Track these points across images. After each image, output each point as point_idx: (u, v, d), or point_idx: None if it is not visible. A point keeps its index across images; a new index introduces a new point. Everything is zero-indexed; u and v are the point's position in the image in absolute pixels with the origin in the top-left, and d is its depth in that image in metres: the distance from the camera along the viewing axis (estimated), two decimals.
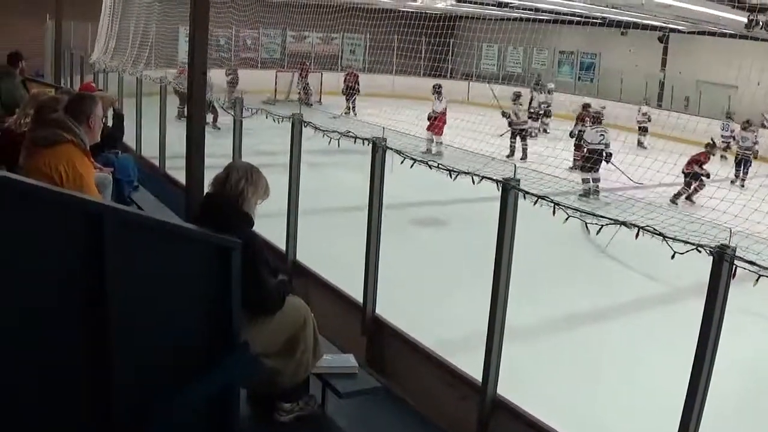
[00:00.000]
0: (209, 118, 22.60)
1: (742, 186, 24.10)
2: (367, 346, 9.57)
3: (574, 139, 26.37)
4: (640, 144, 31.15)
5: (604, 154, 21.88)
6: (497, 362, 7.71)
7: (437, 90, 28.39)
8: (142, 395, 4.77)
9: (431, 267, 13.94)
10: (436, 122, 26.90)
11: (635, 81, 38.93)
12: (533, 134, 31.48)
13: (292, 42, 46.39)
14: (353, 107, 35.70)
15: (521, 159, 25.72)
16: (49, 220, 4.42)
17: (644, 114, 33.31)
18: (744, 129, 27.66)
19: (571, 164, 24.43)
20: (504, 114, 27.92)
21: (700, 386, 6.03)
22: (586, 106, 29.32)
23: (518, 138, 27.45)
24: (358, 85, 37.20)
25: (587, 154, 22.07)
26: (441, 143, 25.34)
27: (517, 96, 28.83)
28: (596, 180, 21.56)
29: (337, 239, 13.70)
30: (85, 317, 4.55)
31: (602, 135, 22.42)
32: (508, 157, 24.94)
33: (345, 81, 37.78)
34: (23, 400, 4.44)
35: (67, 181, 6.50)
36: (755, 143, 26.78)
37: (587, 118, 25.70)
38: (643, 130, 32.58)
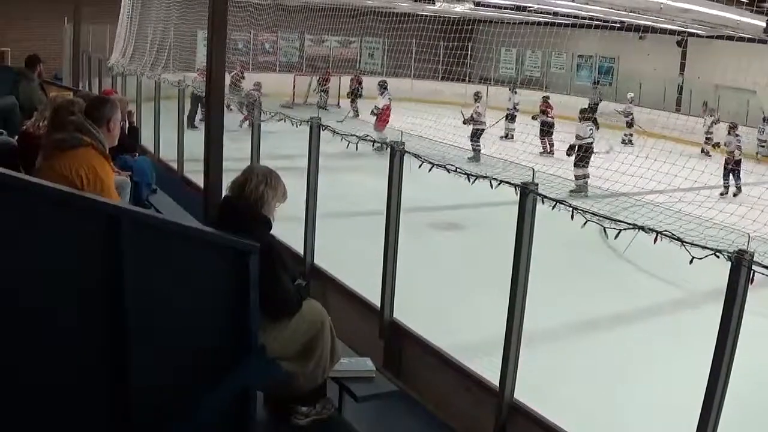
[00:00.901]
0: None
1: (735, 195, 23.12)
2: (384, 350, 9.57)
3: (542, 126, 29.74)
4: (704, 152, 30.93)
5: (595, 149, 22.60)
6: (515, 366, 7.71)
7: (383, 86, 29.01)
8: (160, 398, 4.78)
9: (449, 271, 13.92)
10: (380, 117, 27.06)
11: (654, 85, 38.81)
12: (510, 135, 32.39)
13: (310, 45, 46.41)
14: (357, 110, 35.65)
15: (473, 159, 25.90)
16: (67, 223, 4.44)
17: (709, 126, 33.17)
18: (729, 133, 25.89)
19: (541, 150, 28.63)
20: (463, 114, 28.38)
21: (718, 391, 6.02)
22: (545, 99, 31.94)
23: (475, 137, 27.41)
24: (362, 88, 37.11)
25: (577, 151, 22.76)
26: (385, 138, 25.39)
27: (477, 96, 29.24)
28: (586, 176, 21.53)
29: (355, 243, 13.71)
30: (103, 319, 4.56)
31: (591, 129, 23.36)
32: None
33: (350, 85, 37.79)
34: (42, 401, 4.45)
35: (88, 185, 6.50)
36: (738, 147, 25.58)
37: (548, 110, 30.29)
38: (708, 140, 32.37)
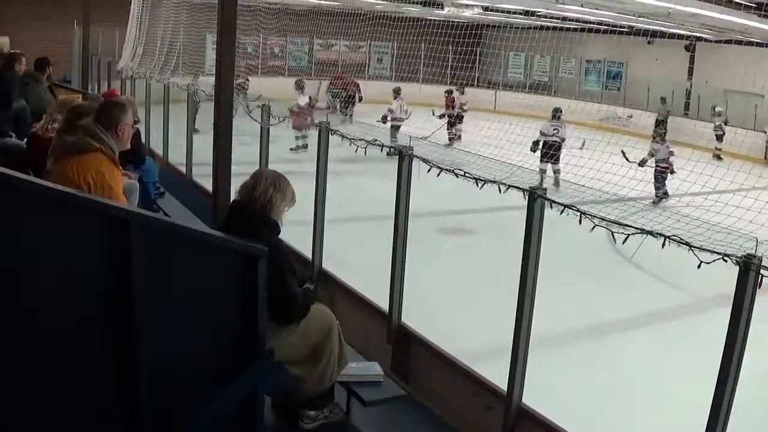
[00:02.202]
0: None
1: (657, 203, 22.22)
2: (392, 354, 9.58)
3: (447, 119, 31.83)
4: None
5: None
6: (522, 371, 7.71)
7: (299, 85, 29.09)
8: (168, 401, 4.79)
9: (457, 276, 13.92)
10: (297, 116, 27.24)
11: (662, 90, 38.76)
12: (458, 136, 32.18)
13: (319, 50, 46.40)
14: (351, 115, 35.43)
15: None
16: (76, 226, 4.45)
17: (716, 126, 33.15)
18: (655, 140, 25.90)
19: (447, 141, 29.94)
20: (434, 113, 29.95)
21: (726, 396, 6.02)
22: (449, 92, 33.69)
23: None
24: (360, 92, 36.92)
25: (542, 148, 23.76)
26: (306, 137, 25.59)
27: (396, 92, 29.91)
28: (556, 171, 22.79)
29: (363, 247, 13.72)
30: (111, 323, 4.57)
31: (556, 129, 24.63)
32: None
33: (347, 90, 37.50)
34: (51, 403, 4.47)
35: (95, 190, 6.49)
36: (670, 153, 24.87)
37: (451, 105, 32.75)
38: (719, 139, 32.47)
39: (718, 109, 33.59)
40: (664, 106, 36.72)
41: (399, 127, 28.03)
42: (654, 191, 21.95)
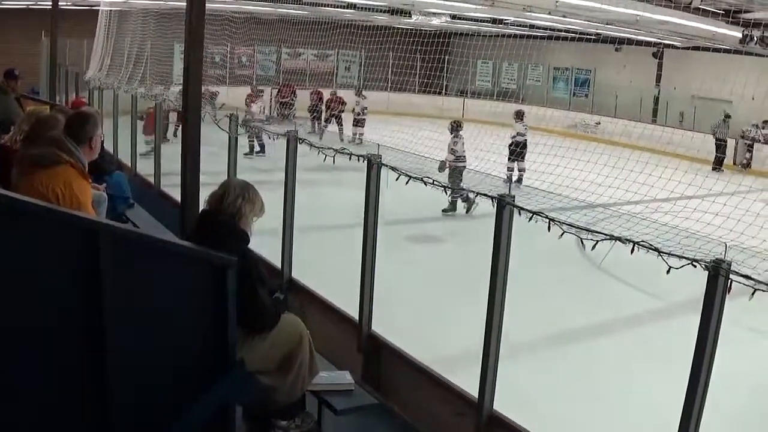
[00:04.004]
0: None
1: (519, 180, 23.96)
2: (363, 363, 9.56)
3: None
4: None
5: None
6: (493, 378, 7.71)
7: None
8: (140, 414, 4.77)
9: (427, 284, 13.93)
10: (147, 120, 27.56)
11: (630, 97, 38.99)
12: (359, 140, 32.13)
13: (287, 59, 46.41)
14: (322, 128, 35.26)
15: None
16: (44, 238, 4.43)
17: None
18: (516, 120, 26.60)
19: (350, 138, 31.30)
20: None
21: (697, 400, 6.04)
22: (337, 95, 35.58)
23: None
24: (322, 103, 36.74)
25: (512, 146, 24.45)
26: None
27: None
28: (521, 170, 24.15)
29: (333, 256, 13.70)
30: (79, 335, 4.55)
31: (525, 128, 25.62)
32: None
33: (311, 99, 37.25)
34: (20, 419, 4.43)
35: (64, 202, 6.46)
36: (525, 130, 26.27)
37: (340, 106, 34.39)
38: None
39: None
40: (725, 123, 34.55)
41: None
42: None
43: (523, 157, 24.02)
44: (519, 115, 25.95)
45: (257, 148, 26.90)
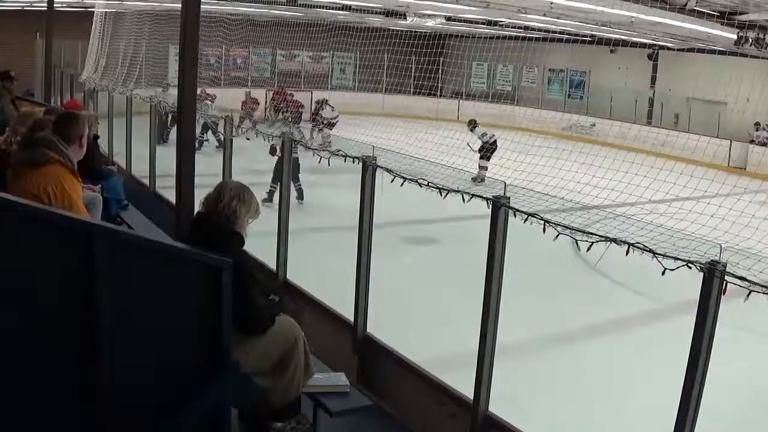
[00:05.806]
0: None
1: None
2: (358, 365, 9.56)
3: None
4: None
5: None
6: (488, 379, 7.71)
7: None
8: (134, 415, 4.76)
9: (422, 285, 13.93)
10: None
11: (625, 98, 39.02)
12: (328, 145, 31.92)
13: (282, 61, 46.40)
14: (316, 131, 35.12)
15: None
16: (38, 239, 4.41)
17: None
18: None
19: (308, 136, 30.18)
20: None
21: (692, 401, 6.04)
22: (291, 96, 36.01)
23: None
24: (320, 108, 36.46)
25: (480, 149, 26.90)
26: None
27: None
28: (485, 168, 25.19)
29: (328, 258, 13.70)
30: (72, 337, 4.53)
31: (484, 134, 27.63)
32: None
33: (273, 99, 36.97)
34: (14, 420, 4.42)
35: (55, 201, 6.48)
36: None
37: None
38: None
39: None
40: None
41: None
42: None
43: (489, 157, 26.03)
44: (472, 124, 28.31)
45: (216, 144, 26.13)
